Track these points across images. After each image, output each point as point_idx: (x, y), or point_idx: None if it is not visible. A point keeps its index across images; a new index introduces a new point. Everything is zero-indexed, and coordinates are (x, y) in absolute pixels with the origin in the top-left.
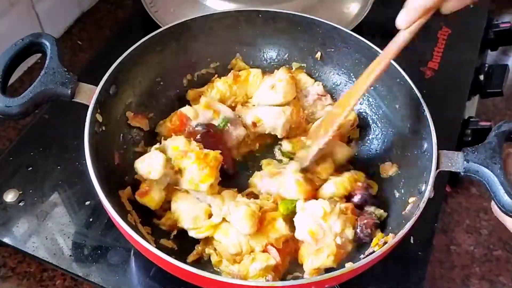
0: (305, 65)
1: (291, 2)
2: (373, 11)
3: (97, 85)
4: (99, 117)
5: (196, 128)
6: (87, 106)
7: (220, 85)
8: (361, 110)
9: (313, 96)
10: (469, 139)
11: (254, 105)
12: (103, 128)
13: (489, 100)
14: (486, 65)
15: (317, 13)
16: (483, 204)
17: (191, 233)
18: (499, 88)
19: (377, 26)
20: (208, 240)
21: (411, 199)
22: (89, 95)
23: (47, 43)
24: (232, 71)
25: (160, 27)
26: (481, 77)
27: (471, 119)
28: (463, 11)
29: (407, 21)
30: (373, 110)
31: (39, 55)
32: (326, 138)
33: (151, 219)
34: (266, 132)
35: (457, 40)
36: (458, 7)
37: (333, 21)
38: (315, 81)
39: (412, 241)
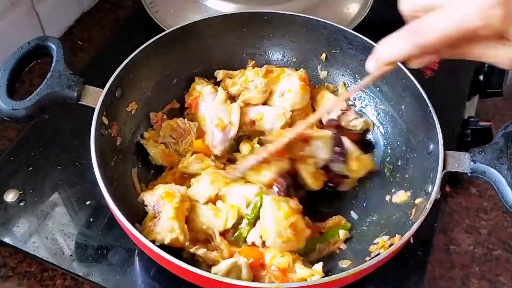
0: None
1: (291, 2)
2: (373, 11)
3: (99, 85)
4: (105, 120)
5: None
6: (89, 107)
7: (250, 75)
8: (366, 111)
9: (337, 112)
10: (469, 139)
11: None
12: (109, 130)
13: (489, 100)
14: (486, 65)
15: (317, 13)
16: (482, 204)
17: None
18: (499, 88)
19: (377, 26)
20: None
21: (417, 200)
22: (95, 97)
23: (53, 46)
24: (266, 65)
25: (161, 27)
26: (481, 77)
27: (471, 119)
28: None
29: (376, 68)
30: (378, 111)
31: None
32: (263, 153)
33: None
34: (263, 130)
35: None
36: (423, 64)
37: (333, 21)
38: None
39: (411, 241)
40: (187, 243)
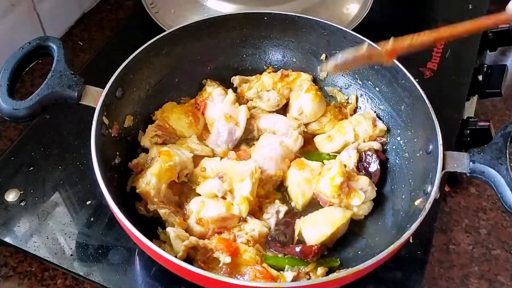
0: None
1: (291, 2)
2: (373, 11)
3: (99, 85)
4: (106, 120)
5: None
6: (90, 107)
7: (265, 79)
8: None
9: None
10: (468, 139)
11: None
12: (110, 130)
13: (488, 100)
14: (485, 65)
15: (317, 14)
16: (482, 204)
17: None
18: (497, 88)
19: (377, 26)
20: None
21: (417, 201)
22: (95, 97)
23: (54, 46)
24: (281, 70)
25: (161, 27)
26: (480, 77)
27: (470, 119)
28: (462, 11)
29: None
30: (378, 111)
31: None
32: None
33: None
34: None
35: (456, 40)
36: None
37: (333, 21)
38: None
39: (411, 241)
40: (155, 199)
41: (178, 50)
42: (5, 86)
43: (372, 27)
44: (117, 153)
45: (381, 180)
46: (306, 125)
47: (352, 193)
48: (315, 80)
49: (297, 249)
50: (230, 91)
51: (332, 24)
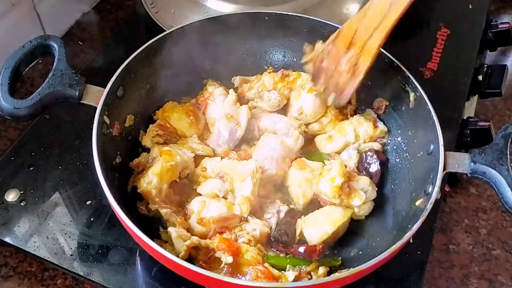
0: None
1: (292, 2)
2: None
3: (99, 85)
4: (107, 119)
5: None
6: (90, 107)
7: (266, 79)
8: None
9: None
10: (468, 139)
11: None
12: (110, 129)
13: (488, 100)
14: (485, 65)
15: (317, 14)
16: (482, 204)
17: None
18: (497, 88)
19: None
20: None
21: (418, 202)
22: (96, 97)
23: (55, 45)
24: (282, 70)
25: (161, 27)
26: (480, 77)
27: (470, 119)
28: (462, 11)
29: None
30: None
31: None
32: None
33: None
34: None
35: (456, 40)
36: None
37: (333, 21)
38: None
39: (411, 241)
40: (157, 199)
41: (179, 50)
42: (6, 85)
43: None
44: (118, 152)
45: (381, 181)
46: (306, 125)
47: (352, 193)
48: None
49: (301, 249)
50: (231, 91)
51: (332, 24)
